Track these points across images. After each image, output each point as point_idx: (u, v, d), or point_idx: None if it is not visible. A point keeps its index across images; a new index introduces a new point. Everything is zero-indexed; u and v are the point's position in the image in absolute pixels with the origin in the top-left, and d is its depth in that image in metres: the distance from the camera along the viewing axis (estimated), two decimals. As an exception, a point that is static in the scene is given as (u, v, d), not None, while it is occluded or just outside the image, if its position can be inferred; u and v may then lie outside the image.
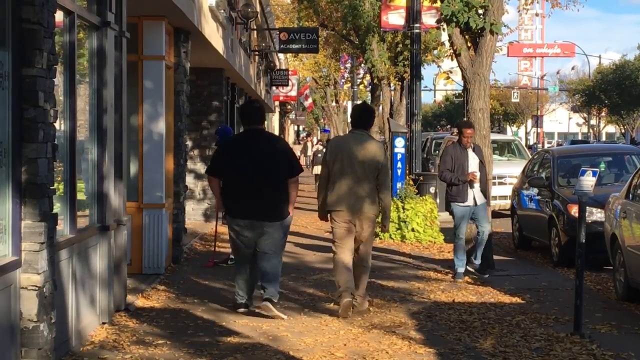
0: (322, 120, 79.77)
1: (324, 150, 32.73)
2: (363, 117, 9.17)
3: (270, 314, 8.58)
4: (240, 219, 8.66)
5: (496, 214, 17.13)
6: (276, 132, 49.51)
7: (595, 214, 12.07)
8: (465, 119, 12.29)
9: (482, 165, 11.52)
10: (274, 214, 8.64)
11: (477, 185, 11.37)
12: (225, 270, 11.71)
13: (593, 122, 79.09)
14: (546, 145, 67.99)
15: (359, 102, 45.85)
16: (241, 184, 8.65)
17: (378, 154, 8.92)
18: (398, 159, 17.01)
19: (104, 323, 8.11)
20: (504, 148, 23.90)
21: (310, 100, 63.02)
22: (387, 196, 9.06)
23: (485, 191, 11.55)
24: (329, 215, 9.06)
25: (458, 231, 11.43)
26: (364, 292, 9.17)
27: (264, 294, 8.64)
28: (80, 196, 7.70)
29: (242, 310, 8.88)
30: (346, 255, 8.93)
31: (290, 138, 71.44)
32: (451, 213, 11.56)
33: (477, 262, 11.65)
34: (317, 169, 33.13)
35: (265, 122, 10.60)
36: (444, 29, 12.92)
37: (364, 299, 9.15)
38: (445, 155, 11.61)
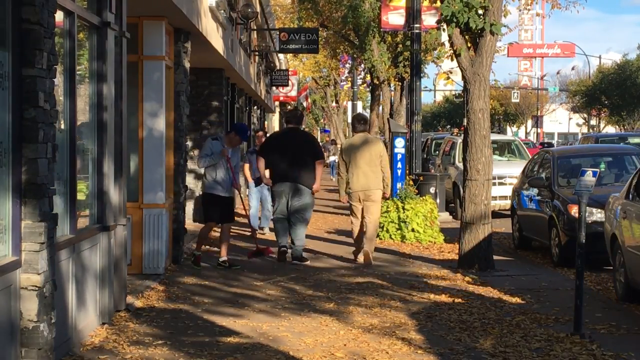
0: (322, 121, 79.77)
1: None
2: (363, 123, 13.14)
3: (299, 262, 12.40)
4: (283, 182, 12.44)
5: (496, 214, 17.12)
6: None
7: (595, 214, 12.07)
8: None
9: None
10: (305, 181, 12.46)
11: None
12: (224, 271, 11.73)
13: (593, 122, 79.06)
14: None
15: (358, 102, 45.93)
16: (283, 163, 12.42)
17: (379, 147, 12.78)
18: (398, 159, 16.93)
19: (103, 323, 8.11)
20: (504, 148, 23.90)
21: (308, 101, 62.97)
22: (387, 171, 12.86)
23: None
24: (348, 195, 12.78)
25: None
26: (370, 250, 12.52)
27: (294, 253, 12.52)
28: (80, 196, 7.70)
29: (283, 250, 12.48)
30: (359, 225, 12.77)
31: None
32: None
33: None
34: None
35: (303, 123, 13.75)
36: (444, 30, 12.90)
37: (369, 254, 12.45)
38: None
